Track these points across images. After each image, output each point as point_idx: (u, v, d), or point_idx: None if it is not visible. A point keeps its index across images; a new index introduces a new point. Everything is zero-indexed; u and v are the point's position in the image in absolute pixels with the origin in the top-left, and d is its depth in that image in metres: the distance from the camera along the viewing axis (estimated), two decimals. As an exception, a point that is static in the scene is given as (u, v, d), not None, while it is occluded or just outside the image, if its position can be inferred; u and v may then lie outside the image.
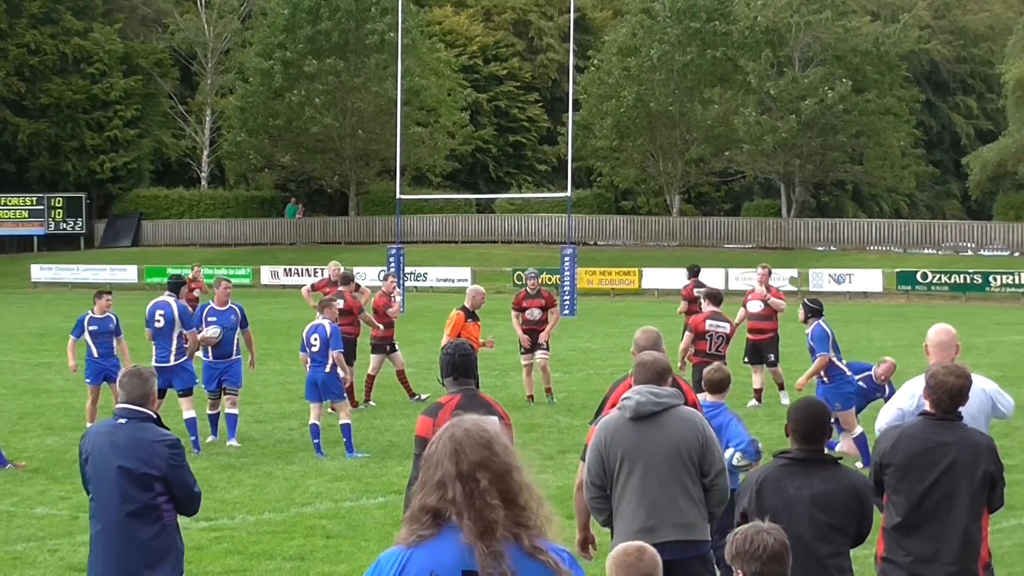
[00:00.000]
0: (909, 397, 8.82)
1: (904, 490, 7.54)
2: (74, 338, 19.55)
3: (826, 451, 7.22)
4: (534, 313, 23.00)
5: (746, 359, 22.62)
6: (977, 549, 7.58)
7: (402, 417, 20.87)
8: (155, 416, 7.95)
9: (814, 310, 18.04)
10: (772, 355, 22.35)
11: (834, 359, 17.32)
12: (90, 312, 19.39)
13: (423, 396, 22.65)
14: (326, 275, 25.35)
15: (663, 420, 7.86)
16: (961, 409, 8.07)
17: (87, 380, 19.29)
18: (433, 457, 4.23)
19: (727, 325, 19.09)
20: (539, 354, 22.75)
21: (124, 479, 7.79)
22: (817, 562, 6.97)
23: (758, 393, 22.28)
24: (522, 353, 23.01)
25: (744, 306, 22.93)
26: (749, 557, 5.34)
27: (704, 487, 7.85)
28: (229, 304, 18.90)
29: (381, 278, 25.40)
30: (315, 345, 17.79)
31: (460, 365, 8.75)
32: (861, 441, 16.81)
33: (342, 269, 24.46)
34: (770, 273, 23.57)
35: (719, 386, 10.64)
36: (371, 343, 22.77)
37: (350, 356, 21.36)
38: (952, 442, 7.57)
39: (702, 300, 19.94)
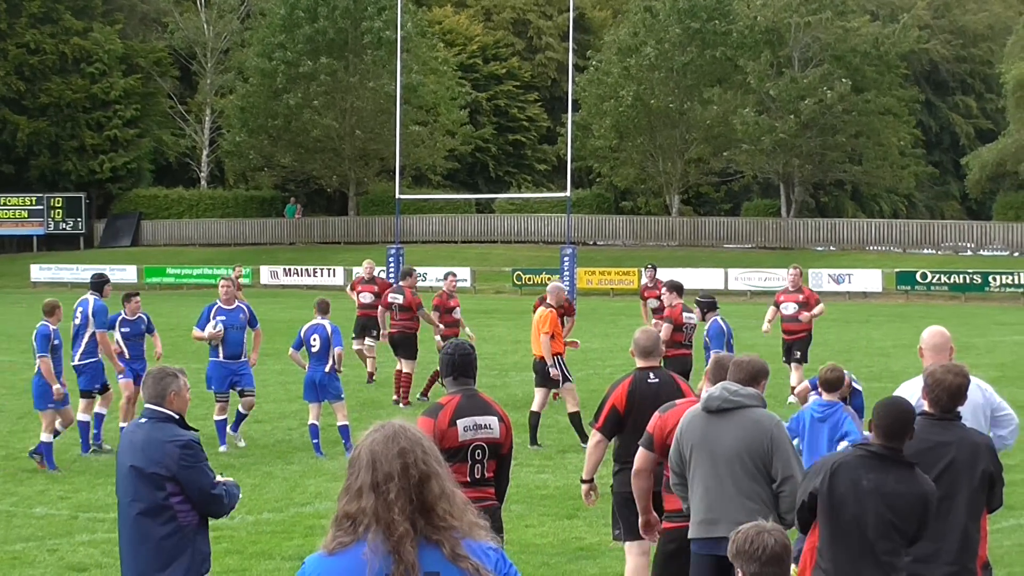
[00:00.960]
0: (907, 398, 8.81)
1: None
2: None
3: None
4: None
5: (785, 359, 23.05)
6: (976, 549, 7.58)
7: (401, 416, 20.83)
8: (176, 416, 7.90)
9: (710, 305, 18.30)
10: (799, 352, 22.74)
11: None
12: (122, 313, 18.66)
13: (423, 397, 22.66)
14: (361, 273, 26.20)
15: (734, 418, 7.98)
16: (964, 407, 8.08)
17: (120, 378, 18.64)
18: (355, 464, 4.24)
19: (694, 315, 19.47)
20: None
21: (136, 478, 7.80)
22: (872, 556, 6.99)
23: (794, 391, 22.60)
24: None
25: (776, 306, 23.30)
26: (748, 557, 5.35)
27: (772, 492, 7.95)
28: (236, 303, 18.76)
29: (443, 277, 25.36)
30: (315, 345, 17.75)
31: (460, 365, 8.76)
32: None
33: (376, 267, 25.87)
34: (801, 274, 23.98)
35: (835, 384, 10.91)
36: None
37: (411, 351, 21.52)
38: (951, 441, 7.56)
39: (667, 292, 19.96)
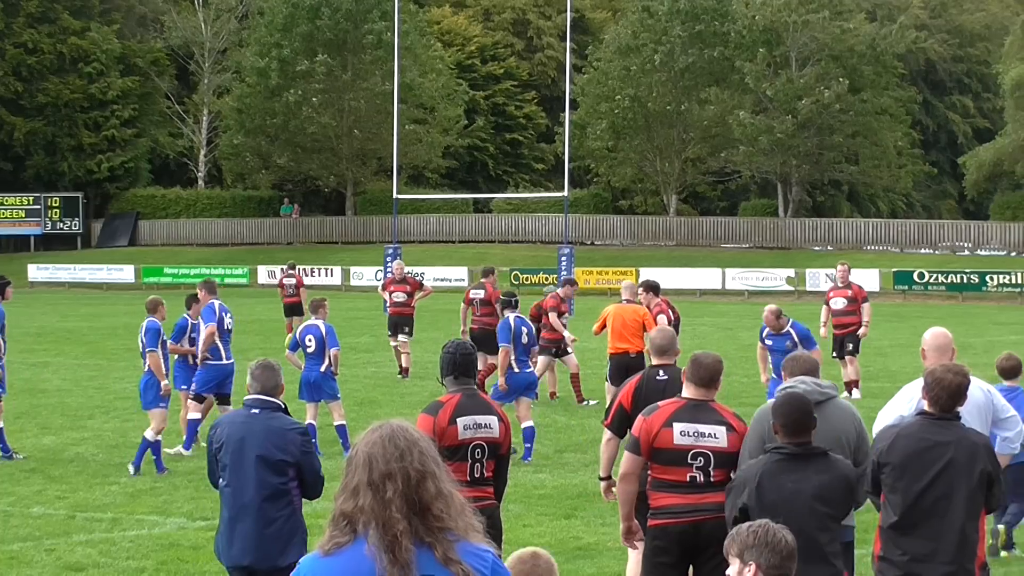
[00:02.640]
0: (908, 401, 8.81)
1: (901, 489, 7.54)
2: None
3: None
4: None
5: (835, 353, 23.33)
6: (974, 549, 7.59)
7: (400, 415, 20.80)
8: (283, 406, 8.49)
9: (508, 303, 18.43)
10: (851, 344, 23.15)
11: (512, 352, 17.74)
12: (187, 317, 18.42)
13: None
14: (391, 274, 27.57)
15: (825, 409, 8.15)
16: (965, 407, 8.09)
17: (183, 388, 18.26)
18: (352, 462, 4.24)
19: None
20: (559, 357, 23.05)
21: (261, 466, 8.32)
22: (818, 551, 7.14)
23: (849, 385, 23.09)
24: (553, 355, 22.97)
25: (827, 303, 23.70)
26: (770, 548, 5.33)
27: None
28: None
29: (560, 283, 25.54)
30: (310, 346, 17.72)
31: (461, 364, 8.83)
32: (529, 433, 17.41)
33: (406, 267, 27.45)
34: (849, 270, 24.45)
35: (1015, 371, 11.71)
36: (539, 343, 21.40)
37: (494, 347, 21.53)
38: (950, 441, 7.56)
39: (644, 292, 20.05)
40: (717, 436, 8.21)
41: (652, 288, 20.08)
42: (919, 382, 8.45)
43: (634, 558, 9.98)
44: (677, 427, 8.30)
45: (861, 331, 23.22)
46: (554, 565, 5.42)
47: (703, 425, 8.26)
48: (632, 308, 19.21)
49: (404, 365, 26.30)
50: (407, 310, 26.30)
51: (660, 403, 8.66)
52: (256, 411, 8.41)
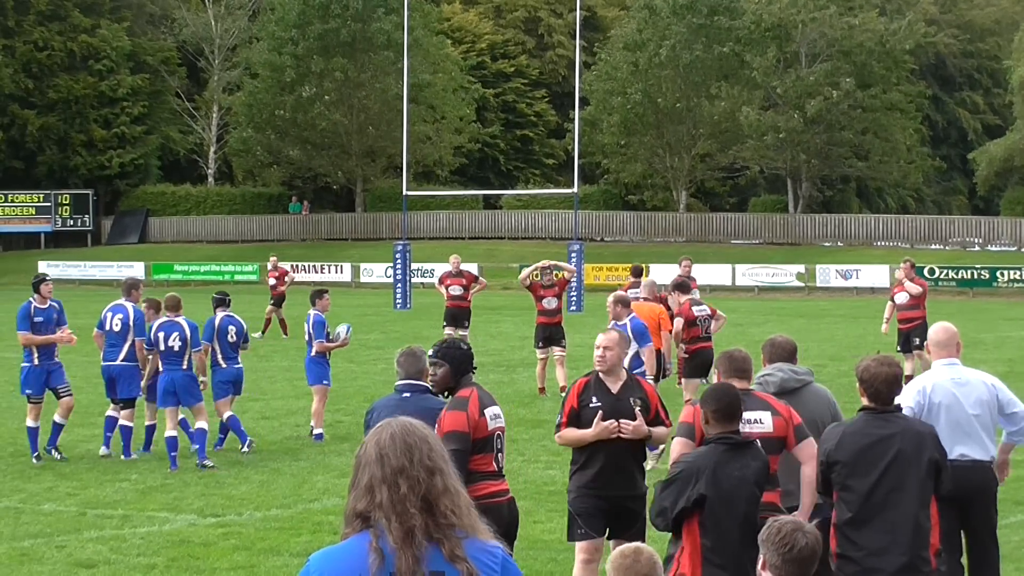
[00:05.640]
0: (918, 392, 8.91)
1: (853, 486, 7.65)
2: (321, 340, 18.62)
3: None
4: (551, 302, 23.03)
5: (899, 348, 23.29)
6: (927, 537, 7.72)
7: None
8: (430, 388, 9.05)
9: (221, 302, 18.50)
10: (918, 339, 22.94)
11: (219, 350, 17.83)
12: (320, 314, 18.75)
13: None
14: (449, 268, 28.12)
15: (801, 395, 8.67)
16: (968, 400, 8.14)
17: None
18: (361, 460, 4.25)
19: (707, 307, 19.79)
20: (556, 350, 22.88)
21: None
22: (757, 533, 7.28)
23: (909, 379, 22.78)
24: (539, 348, 22.98)
25: (891, 299, 23.89)
26: (776, 549, 5.34)
27: None
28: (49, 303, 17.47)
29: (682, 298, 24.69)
30: (174, 346, 16.69)
31: (470, 361, 9.01)
32: (233, 422, 17.56)
33: (461, 262, 28.04)
34: (913, 266, 24.50)
35: None
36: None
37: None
38: (895, 433, 7.69)
39: (673, 292, 20.01)
40: (763, 421, 8.28)
41: (679, 287, 19.94)
42: (919, 378, 8.66)
43: (578, 568, 9.84)
44: None
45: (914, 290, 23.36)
46: (657, 561, 5.43)
47: (748, 412, 8.33)
48: (649, 306, 19.20)
49: None
50: (464, 303, 27.02)
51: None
52: (407, 395, 9.03)
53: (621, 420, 9.27)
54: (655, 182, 73.18)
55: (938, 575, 7.92)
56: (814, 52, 68.22)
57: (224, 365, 17.83)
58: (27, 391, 17.21)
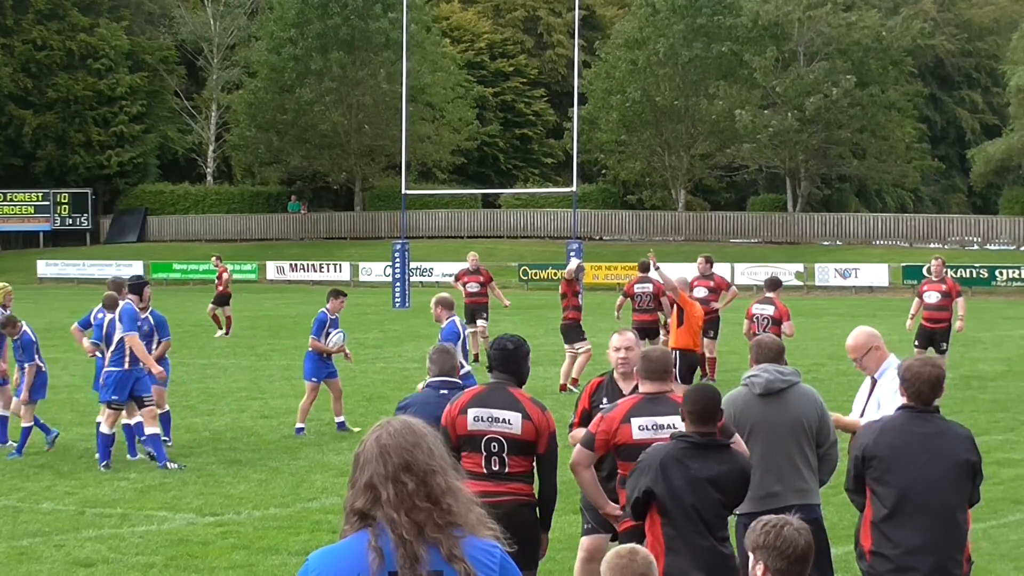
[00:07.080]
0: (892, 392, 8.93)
1: (890, 481, 7.61)
2: (315, 336, 18.99)
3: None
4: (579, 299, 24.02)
5: (916, 342, 23.25)
6: (963, 540, 7.69)
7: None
8: (463, 384, 9.40)
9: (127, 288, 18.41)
10: (944, 343, 23.08)
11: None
12: (325, 313, 19.00)
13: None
14: (467, 266, 28.84)
15: (787, 396, 8.64)
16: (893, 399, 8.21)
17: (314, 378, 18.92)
18: (361, 457, 4.23)
19: (771, 307, 21.04)
20: (585, 345, 23.46)
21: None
22: (712, 538, 7.47)
23: None
24: (581, 341, 23.43)
25: (919, 296, 23.59)
26: (778, 553, 5.31)
27: (819, 456, 8.78)
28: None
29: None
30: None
31: (497, 358, 9.00)
32: (164, 418, 17.62)
33: (478, 259, 29.00)
34: (944, 264, 24.34)
35: None
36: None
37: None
38: (934, 433, 7.66)
39: (771, 288, 21.61)
40: (677, 427, 8.22)
41: (774, 283, 20.89)
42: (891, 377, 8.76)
43: (579, 563, 9.84)
44: (635, 422, 8.37)
45: (957, 326, 23.06)
46: (652, 562, 5.45)
47: (661, 418, 8.31)
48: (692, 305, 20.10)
49: (475, 352, 26.21)
50: (482, 299, 28.10)
51: (617, 400, 8.75)
52: (445, 391, 9.24)
53: None
54: (654, 181, 73.17)
55: None
56: (812, 51, 68.22)
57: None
58: (112, 396, 16.36)
